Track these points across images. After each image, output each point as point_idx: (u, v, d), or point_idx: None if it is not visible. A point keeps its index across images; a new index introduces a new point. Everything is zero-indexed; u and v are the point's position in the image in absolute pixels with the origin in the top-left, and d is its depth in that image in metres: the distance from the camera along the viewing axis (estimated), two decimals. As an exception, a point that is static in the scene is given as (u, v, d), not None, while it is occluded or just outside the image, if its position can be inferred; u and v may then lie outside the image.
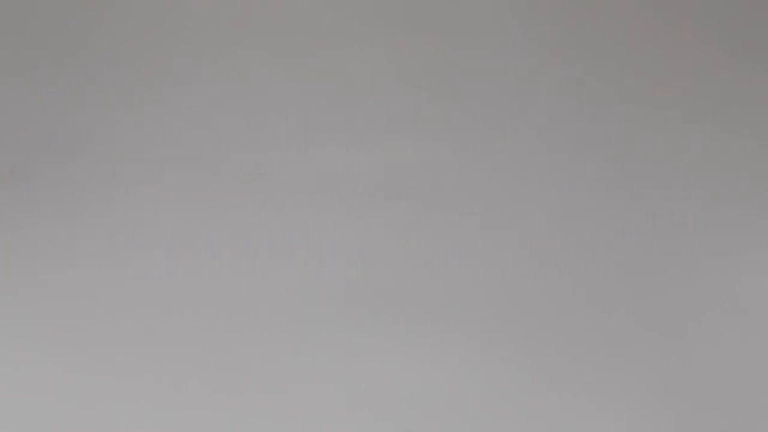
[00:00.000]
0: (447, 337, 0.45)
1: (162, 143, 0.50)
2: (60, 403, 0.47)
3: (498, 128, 0.49)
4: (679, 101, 0.49)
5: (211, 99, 0.50)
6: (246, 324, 0.48)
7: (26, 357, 0.48)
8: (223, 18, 0.50)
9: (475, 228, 0.47)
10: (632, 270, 0.48)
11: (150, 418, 0.47)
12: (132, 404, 0.47)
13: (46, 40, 0.51)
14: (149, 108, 0.50)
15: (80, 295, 0.49)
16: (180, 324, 0.48)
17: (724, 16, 0.50)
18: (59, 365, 0.48)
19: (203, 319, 0.48)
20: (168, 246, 0.49)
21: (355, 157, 0.49)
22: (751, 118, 0.49)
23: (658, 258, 0.48)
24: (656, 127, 0.49)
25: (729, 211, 0.49)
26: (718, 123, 0.49)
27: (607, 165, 0.49)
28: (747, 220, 0.49)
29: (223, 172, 0.50)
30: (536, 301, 0.47)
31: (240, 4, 0.51)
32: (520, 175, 0.49)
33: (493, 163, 0.49)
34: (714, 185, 0.49)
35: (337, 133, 0.49)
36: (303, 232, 0.49)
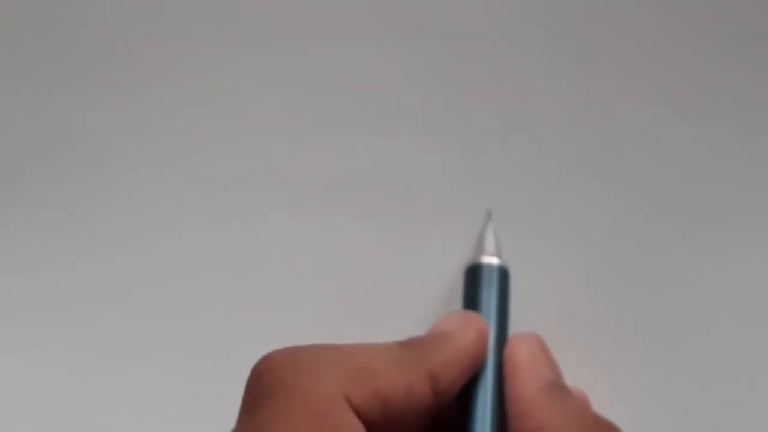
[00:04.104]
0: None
1: (162, 141, 0.50)
2: (61, 403, 0.47)
3: (498, 127, 0.49)
4: (679, 101, 0.49)
5: (210, 97, 0.50)
6: (244, 322, 0.48)
7: (26, 357, 0.48)
8: (218, 13, 0.50)
9: (476, 228, 0.47)
10: (632, 271, 0.48)
11: (150, 417, 0.47)
12: (133, 403, 0.47)
13: (45, 39, 0.51)
14: (147, 106, 0.50)
15: (81, 294, 0.49)
16: (179, 323, 0.48)
17: (725, 16, 0.50)
18: (60, 364, 0.48)
19: (201, 318, 0.48)
20: (169, 244, 0.49)
21: (354, 156, 0.49)
22: (752, 119, 0.49)
23: (658, 259, 0.48)
24: (657, 127, 0.49)
25: (730, 213, 0.49)
26: (719, 123, 0.49)
27: (606, 166, 0.49)
28: (748, 222, 0.49)
29: (222, 170, 0.49)
30: (538, 302, 0.47)
31: (234, 3, 0.51)
32: (520, 174, 0.49)
33: (494, 163, 0.49)
34: (715, 186, 0.49)
35: (338, 132, 0.49)
36: (303, 230, 0.49)
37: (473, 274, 0.43)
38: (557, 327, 0.45)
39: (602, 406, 0.40)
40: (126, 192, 0.50)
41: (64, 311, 0.49)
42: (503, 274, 0.43)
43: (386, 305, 0.48)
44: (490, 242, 0.45)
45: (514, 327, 0.43)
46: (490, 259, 0.44)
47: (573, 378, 0.42)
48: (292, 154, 0.50)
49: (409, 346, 0.38)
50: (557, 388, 0.39)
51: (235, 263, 0.49)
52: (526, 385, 0.39)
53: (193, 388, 0.47)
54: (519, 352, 0.40)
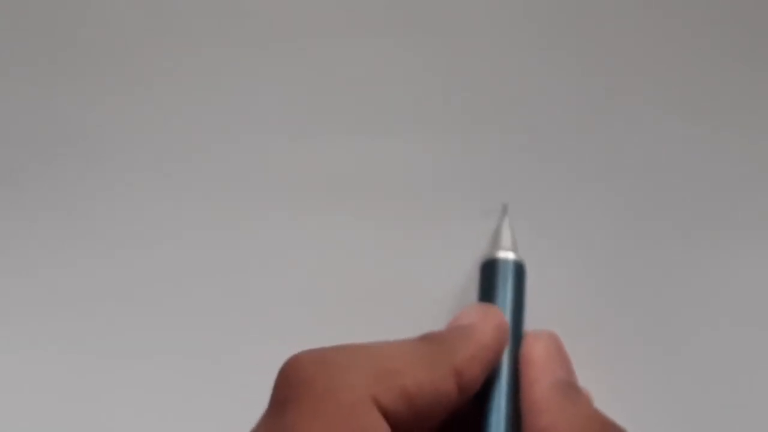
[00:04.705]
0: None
1: (162, 141, 0.50)
2: (61, 403, 0.47)
3: (498, 127, 0.49)
4: (679, 101, 0.49)
5: (210, 97, 0.50)
6: (243, 322, 0.48)
7: (26, 357, 0.48)
8: (218, 13, 0.50)
9: (476, 228, 0.47)
10: (632, 271, 0.48)
11: (150, 417, 0.47)
12: (133, 403, 0.47)
13: (45, 39, 0.51)
14: (147, 106, 0.50)
15: (81, 295, 0.49)
16: (179, 323, 0.48)
17: (725, 16, 0.50)
18: (60, 364, 0.48)
19: (201, 318, 0.48)
20: (169, 244, 0.49)
21: (354, 156, 0.49)
22: (752, 119, 0.49)
23: (658, 259, 0.48)
24: (656, 127, 0.49)
25: (730, 213, 0.49)
26: (719, 123, 0.49)
27: (606, 166, 0.49)
28: (748, 222, 0.49)
29: (222, 170, 0.49)
30: (537, 301, 0.47)
31: (234, 2, 0.51)
32: (520, 174, 0.49)
33: (494, 163, 0.49)
34: (715, 186, 0.49)
35: (338, 132, 0.49)
36: (303, 230, 0.49)
37: (489, 269, 0.43)
38: (557, 326, 0.45)
39: (602, 406, 0.40)
40: (126, 192, 0.50)
41: (64, 311, 0.48)
42: (519, 269, 0.43)
43: (386, 305, 0.48)
44: (506, 237, 0.44)
45: (531, 323, 0.43)
46: (506, 254, 0.43)
47: (590, 374, 0.42)
48: (292, 154, 0.50)
49: (433, 342, 0.38)
50: (569, 387, 0.39)
51: (235, 263, 0.49)
52: (539, 382, 0.39)
53: (193, 388, 0.47)
54: (534, 350, 0.41)
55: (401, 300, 0.48)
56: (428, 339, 0.38)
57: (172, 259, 0.49)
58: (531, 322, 0.44)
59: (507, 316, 0.41)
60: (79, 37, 0.51)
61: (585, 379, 0.42)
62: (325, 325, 0.47)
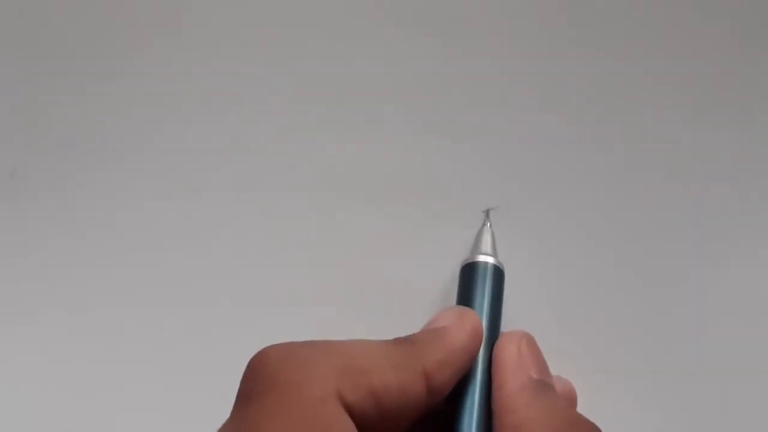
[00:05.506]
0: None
1: (162, 141, 0.50)
2: (62, 403, 0.47)
3: (499, 128, 0.49)
4: (680, 101, 0.49)
5: (211, 97, 0.50)
6: (243, 321, 0.48)
7: (26, 357, 0.48)
8: (218, 14, 0.50)
9: (474, 229, 0.47)
10: (631, 271, 0.48)
11: (151, 416, 0.47)
12: (134, 402, 0.47)
13: (46, 39, 0.51)
14: (149, 107, 0.50)
15: (81, 294, 0.49)
16: (179, 323, 0.48)
17: (725, 16, 0.50)
18: (60, 364, 0.48)
19: (201, 318, 0.48)
20: (169, 244, 0.49)
21: (354, 156, 0.49)
22: (752, 119, 0.49)
23: (657, 260, 0.48)
24: (656, 128, 0.49)
25: (730, 213, 0.49)
26: (720, 123, 0.49)
27: (606, 167, 0.49)
28: (749, 223, 0.49)
29: (223, 170, 0.50)
30: (536, 302, 0.47)
31: (237, 1, 0.51)
32: (520, 175, 0.49)
33: (494, 163, 0.49)
34: (715, 187, 0.49)
35: (338, 132, 0.49)
36: (304, 230, 0.49)
37: (468, 272, 0.43)
38: (556, 327, 0.45)
39: (599, 406, 0.40)
40: (126, 192, 0.50)
41: (65, 311, 0.49)
42: (497, 273, 0.43)
43: (386, 305, 0.48)
44: (486, 241, 0.45)
45: (512, 327, 0.43)
46: (485, 258, 0.44)
47: (570, 378, 0.42)
48: (293, 154, 0.50)
49: (405, 344, 0.38)
50: (540, 386, 0.39)
51: (235, 263, 0.49)
52: (510, 382, 0.39)
53: (192, 388, 0.47)
54: (506, 350, 0.40)
55: (401, 300, 0.48)
56: (400, 341, 0.38)
57: (173, 259, 0.49)
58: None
59: (483, 319, 0.41)
60: (79, 37, 0.51)
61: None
62: (326, 325, 0.47)
